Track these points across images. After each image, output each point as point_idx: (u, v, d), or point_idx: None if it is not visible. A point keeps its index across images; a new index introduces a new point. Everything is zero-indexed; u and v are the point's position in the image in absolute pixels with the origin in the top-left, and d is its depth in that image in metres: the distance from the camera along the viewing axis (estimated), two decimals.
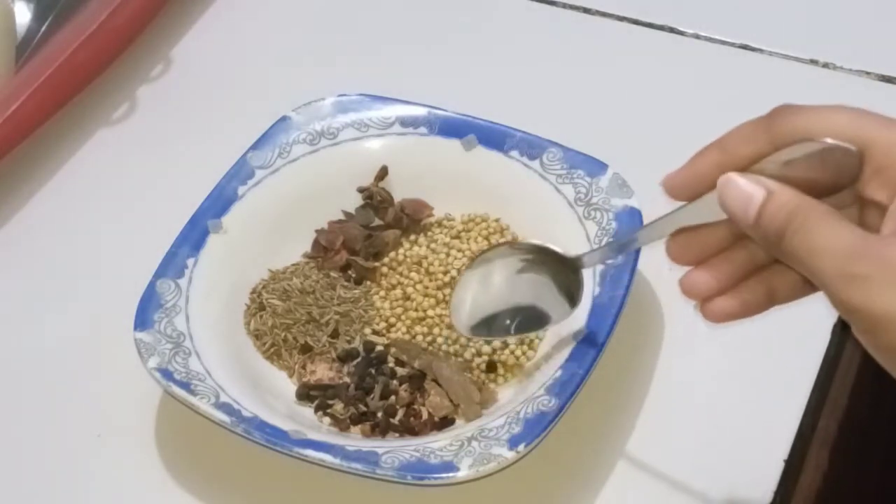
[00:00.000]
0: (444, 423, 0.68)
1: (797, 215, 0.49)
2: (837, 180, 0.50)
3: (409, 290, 0.74)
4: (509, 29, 0.93)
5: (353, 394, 0.70)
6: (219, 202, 0.75)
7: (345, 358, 0.72)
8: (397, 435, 0.68)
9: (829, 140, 0.49)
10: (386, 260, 0.76)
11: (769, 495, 0.67)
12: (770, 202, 0.50)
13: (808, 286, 0.53)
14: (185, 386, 0.66)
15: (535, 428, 0.63)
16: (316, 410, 0.70)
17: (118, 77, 0.90)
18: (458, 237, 0.76)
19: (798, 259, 0.49)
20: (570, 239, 0.72)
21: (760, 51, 0.90)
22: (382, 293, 0.75)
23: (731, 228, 0.53)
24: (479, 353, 0.71)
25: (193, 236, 0.73)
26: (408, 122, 0.78)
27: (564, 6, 0.94)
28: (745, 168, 0.52)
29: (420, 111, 0.78)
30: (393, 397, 0.69)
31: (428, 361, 0.71)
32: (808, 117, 0.51)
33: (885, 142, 0.50)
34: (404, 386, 0.70)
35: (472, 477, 0.62)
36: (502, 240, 0.75)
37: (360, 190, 0.78)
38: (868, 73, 0.87)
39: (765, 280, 0.54)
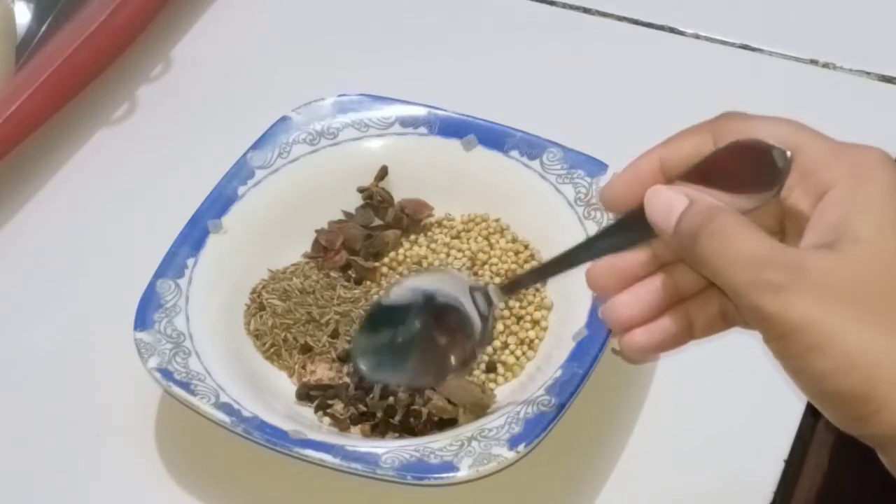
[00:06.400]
0: (444, 423, 0.68)
1: (713, 220, 0.50)
2: (765, 182, 0.51)
3: None
4: (509, 29, 0.93)
5: (353, 394, 0.70)
6: (219, 202, 0.75)
7: (345, 358, 0.72)
8: (397, 435, 0.68)
9: (763, 139, 0.51)
10: (386, 260, 0.76)
11: (769, 495, 0.67)
12: (689, 208, 0.51)
13: (723, 321, 0.54)
14: (185, 386, 0.66)
15: (535, 428, 0.63)
16: (316, 410, 0.70)
17: (118, 77, 0.90)
18: (458, 237, 0.76)
19: (711, 265, 0.50)
20: (570, 239, 0.72)
21: (760, 51, 0.90)
22: (382, 293, 0.75)
23: (655, 253, 0.54)
24: None
25: (193, 236, 0.73)
26: (408, 122, 0.78)
27: (564, 6, 0.94)
28: (684, 163, 0.53)
29: (420, 111, 0.78)
30: (392, 398, 0.69)
31: None
32: (750, 122, 0.52)
33: (815, 148, 0.51)
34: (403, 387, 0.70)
35: (472, 477, 0.62)
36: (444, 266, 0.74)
37: (360, 190, 0.78)
38: (868, 73, 0.87)
39: (684, 312, 0.54)
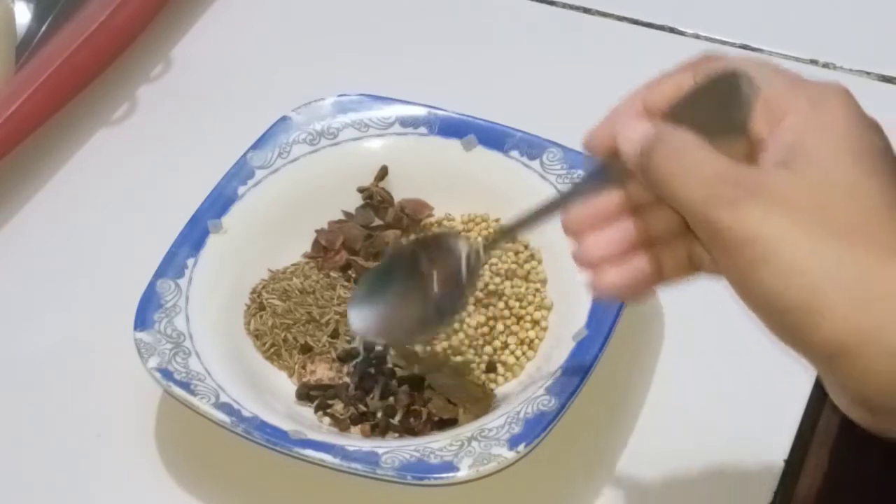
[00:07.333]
0: (444, 423, 0.68)
1: (668, 139, 0.51)
2: (737, 117, 0.52)
3: None
4: (509, 28, 0.93)
5: (353, 394, 0.70)
6: (219, 202, 0.75)
7: (345, 358, 0.72)
8: (397, 435, 0.68)
9: (736, 68, 0.53)
10: None
11: (769, 495, 0.67)
12: (652, 133, 0.52)
13: (690, 266, 0.55)
14: (185, 386, 0.66)
15: (535, 428, 0.63)
16: (316, 410, 0.70)
17: (118, 77, 0.90)
18: None
19: (668, 183, 0.51)
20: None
21: (760, 51, 0.90)
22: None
23: (629, 196, 0.55)
24: (478, 354, 0.71)
25: (193, 236, 0.73)
26: (408, 122, 0.78)
27: (564, 6, 0.94)
28: (665, 103, 0.54)
29: (420, 111, 0.78)
30: (392, 398, 0.69)
31: (426, 369, 0.70)
32: (725, 60, 0.54)
33: (778, 79, 0.52)
34: (404, 387, 0.70)
35: (472, 477, 0.62)
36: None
37: (360, 190, 0.78)
38: (868, 73, 0.88)
39: (654, 255, 0.55)
